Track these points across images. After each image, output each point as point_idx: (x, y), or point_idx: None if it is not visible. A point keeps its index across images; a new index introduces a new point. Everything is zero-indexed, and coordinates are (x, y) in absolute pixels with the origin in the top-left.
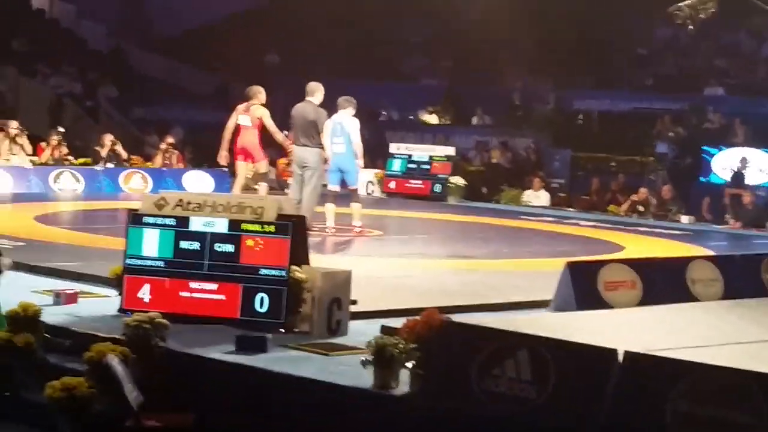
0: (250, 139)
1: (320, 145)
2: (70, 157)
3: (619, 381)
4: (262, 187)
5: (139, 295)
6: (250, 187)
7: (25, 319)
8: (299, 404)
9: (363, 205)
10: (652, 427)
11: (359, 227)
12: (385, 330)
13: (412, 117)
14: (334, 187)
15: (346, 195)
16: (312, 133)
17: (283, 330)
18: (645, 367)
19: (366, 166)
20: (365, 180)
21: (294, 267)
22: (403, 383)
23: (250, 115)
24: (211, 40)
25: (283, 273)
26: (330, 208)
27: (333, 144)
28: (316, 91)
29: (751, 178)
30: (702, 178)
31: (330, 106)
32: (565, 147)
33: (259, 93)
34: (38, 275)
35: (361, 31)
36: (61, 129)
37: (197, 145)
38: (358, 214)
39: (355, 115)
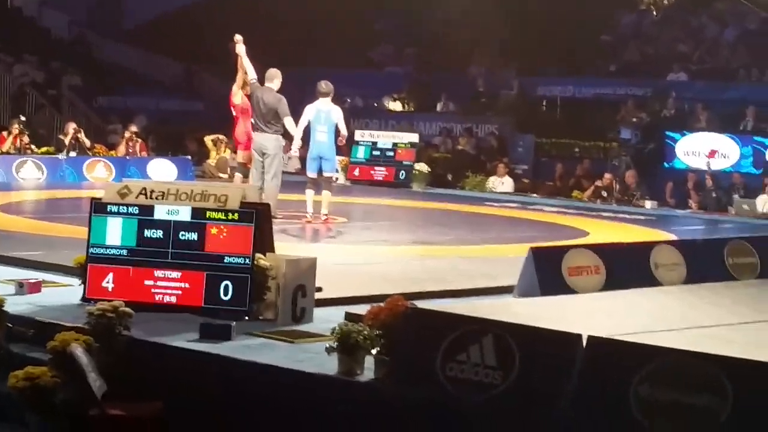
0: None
1: (279, 131)
2: (32, 146)
3: (583, 366)
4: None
5: (103, 284)
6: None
7: None
8: (264, 392)
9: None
10: (617, 411)
11: (326, 215)
12: (350, 317)
13: (376, 104)
14: (312, 174)
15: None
16: (271, 119)
17: (247, 318)
18: (609, 351)
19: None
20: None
21: (258, 255)
22: (368, 370)
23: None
24: (176, 29)
25: (248, 261)
26: (310, 195)
27: (317, 132)
28: (275, 78)
29: (714, 164)
30: (665, 164)
31: (288, 90)
32: (528, 133)
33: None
34: (1, 264)
35: (326, 19)
36: (23, 118)
37: (161, 134)
38: (327, 202)
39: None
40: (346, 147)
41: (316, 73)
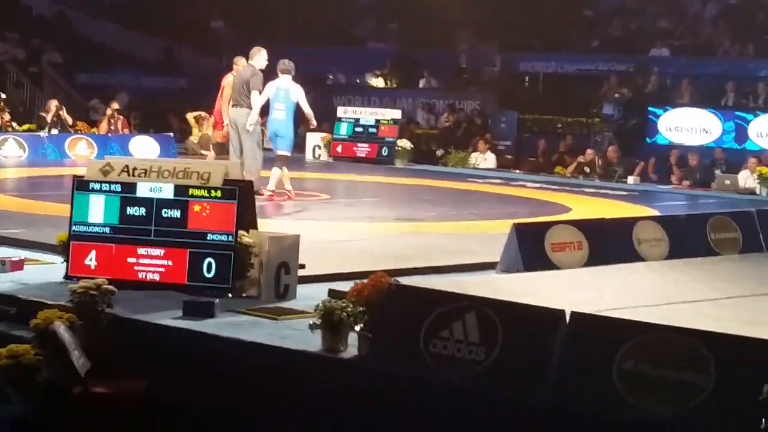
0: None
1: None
2: (13, 124)
3: (566, 342)
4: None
5: (86, 261)
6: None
7: None
8: (248, 369)
9: (287, 173)
10: (600, 387)
11: (270, 192)
12: (333, 294)
13: (359, 81)
14: (284, 151)
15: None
16: (244, 94)
17: (230, 295)
18: (592, 327)
19: (313, 130)
20: (312, 144)
21: (241, 232)
22: (351, 346)
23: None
24: (157, 6)
25: (230, 238)
26: (275, 173)
27: (274, 110)
28: (255, 55)
29: (695, 138)
30: (648, 139)
31: (270, 68)
32: (511, 109)
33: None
34: None
35: None
36: (3, 95)
37: (143, 111)
38: (274, 178)
39: (296, 80)
40: (328, 125)
41: (298, 50)
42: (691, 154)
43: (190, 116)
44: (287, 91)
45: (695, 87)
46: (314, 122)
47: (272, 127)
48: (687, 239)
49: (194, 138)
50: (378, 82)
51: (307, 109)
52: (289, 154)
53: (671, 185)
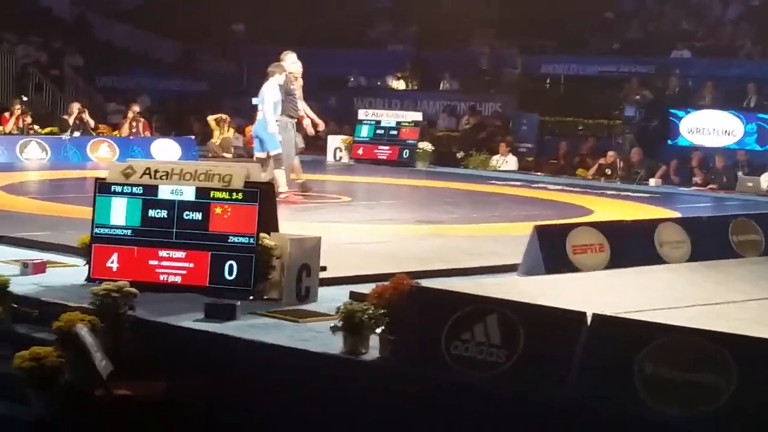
0: None
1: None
2: (35, 126)
3: (588, 344)
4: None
5: (108, 264)
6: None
7: None
8: (269, 371)
9: (285, 172)
10: (621, 389)
11: (281, 193)
12: (354, 296)
13: (379, 83)
14: (259, 153)
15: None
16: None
17: (252, 297)
18: (613, 329)
19: (334, 133)
20: (333, 146)
21: (263, 234)
22: (372, 349)
23: None
24: (177, 8)
25: (252, 240)
26: (278, 175)
27: (258, 112)
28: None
29: (717, 141)
30: (669, 141)
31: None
32: (532, 111)
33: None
34: (6, 245)
35: None
36: (24, 98)
37: (164, 114)
38: (280, 181)
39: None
40: (349, 127)
41: (318, 52)
42: (718, 156)
43: (211, 119)
44: (262, 93)
45: (717, 89)
46: (270, 127)
47: (254, 130)
48: (709, 241)
49: (215, 140)
50: (399, 85)
51: (264, 111)
52: (272, 153)
53: (693, 187)
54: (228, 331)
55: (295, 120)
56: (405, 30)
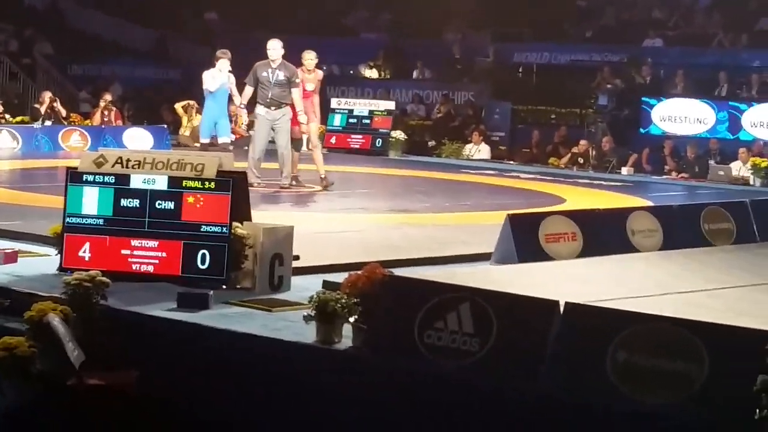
0: None
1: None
2: (6, 116)
3: (561, 332)
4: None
5: (80, 253)
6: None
7: None
8: (242, 360)
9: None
10: (594, 377)
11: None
12: (327, 285)
13: (352, 71)
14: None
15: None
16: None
17: (225, 286)
18: (586, 318)
19: None
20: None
21: (235, 223)
22: (345, 338)
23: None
24: None
25: (225, 229)
26: None
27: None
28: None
29: (687, 129)
30: (642, 130)
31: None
32: (505, 100)
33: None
34: None
35: None
36: None
37: (137, 102)
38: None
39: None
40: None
41: (290, 40)
42: (690, 146)
43: (177, 106)
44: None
45: (689, 77)
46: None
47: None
48: (681, 230)
49: (184, 130)
50: (371, 73)
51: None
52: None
53: (665, 176)
54: (201, 320)
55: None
56: (379, 18)
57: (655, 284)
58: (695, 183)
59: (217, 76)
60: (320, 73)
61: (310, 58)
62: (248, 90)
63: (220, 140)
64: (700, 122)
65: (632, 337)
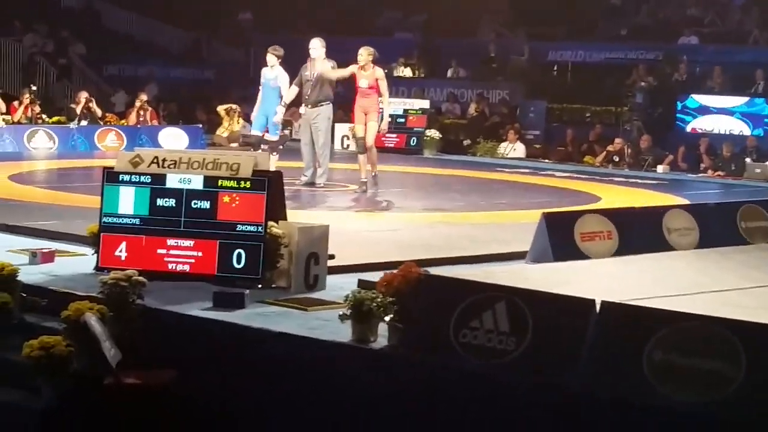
0: None
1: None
2: (43, 116)
3: (597, 331)
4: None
5: (116, 253)
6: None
7: (2, 278)
8: (278, 359)
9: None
10: (630, 377)
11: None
12: (363, 284)
13: (386, 71)
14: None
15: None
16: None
17: (260, 285)
18: (622, 316)
19: (341, 121)
20: (341, 134)
21: (271, 222)
22: (381, 337)
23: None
24: None
25: (260, 229)
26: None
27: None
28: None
29: (723, 127)
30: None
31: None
32: (540, 98)
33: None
34: (14, 234)
35: None
36: (33, 87)
37: (172, 102)
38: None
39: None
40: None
41: (325, 40)
42: (726, 143)
43: (221, 109)
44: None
45: (725, 75)
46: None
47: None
48: (717, 228)
49: (222, 131)
50: (406, 72)
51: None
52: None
53: (701, 174)
54: (236, 319)
55: (308, 107)
56: (412, 17)
57: (692, 283)
58: (732, 181)
59: (267, 73)
60: (379, 71)
61: (361, 53)
62: (292, 90)
63: (267, 137)
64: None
65: (669, 336)
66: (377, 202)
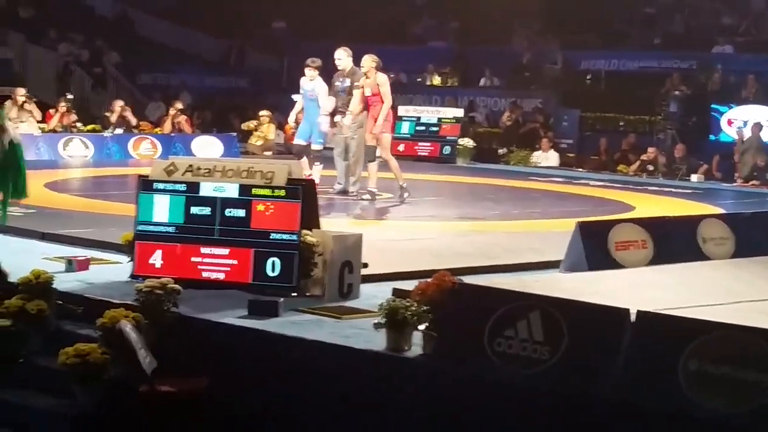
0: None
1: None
2: (78, 124)
3: (632, 341)
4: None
5: (151, 260)
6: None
7: (38, 286)
8: (312, 368)
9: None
10: (665, 386)
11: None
12: (397, 293)
13: (420, 79)
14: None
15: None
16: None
17: (294, 294)
18: (657, 326)
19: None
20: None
21: (305, 231)
22: (415, 346)
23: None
24: (218, 5)
25: (294, 237)
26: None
27: None
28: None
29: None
30: (712, 137)
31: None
32: (573, 107)
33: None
34: (50, 242)
35: None
36: (70, 96)
37: (206, 110)
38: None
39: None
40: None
41: (358, 48)
42: (760, 153)
43: (246, 125)
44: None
45: (759, 83)
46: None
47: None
48: (753, 237)
49: (256, 140)
50: (439, 81)
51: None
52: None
53: (736, 183)
54: (271, 327)
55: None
56: (446, 26)
57: (727, 292)
58: (766, 190)
59: (306, 83)
60: (380, 77)
61: (364, 60)
62: (331, 100)
63: (313, 146)
64: None
65: (704, 345)
66: (411, 210)
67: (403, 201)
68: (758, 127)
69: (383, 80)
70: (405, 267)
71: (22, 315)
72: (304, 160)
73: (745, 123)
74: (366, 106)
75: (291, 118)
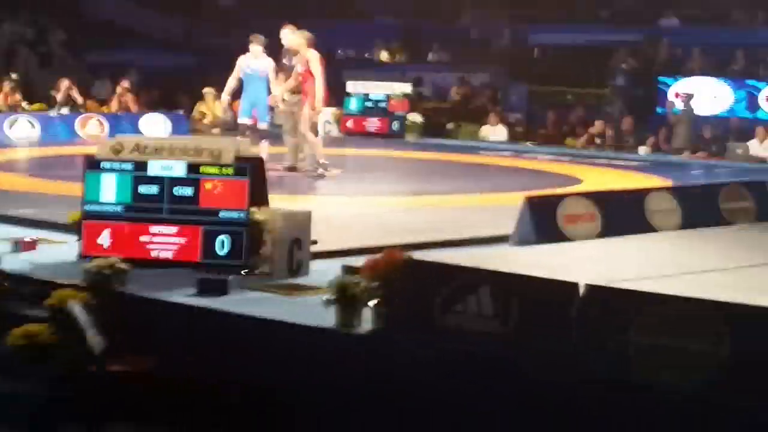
0: None
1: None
2: (24, 104)
3: (581, 314)
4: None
5: (99, 240)
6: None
7: None
8: (262, 345)
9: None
10: (615, 358)
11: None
12: (347, 269)
13: (368, 55)
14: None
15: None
16: None
17: (244, 272)
18: (606, 299)
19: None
20: (322, 119)
21: (253, 209)
22: (365, 322)
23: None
24: None
25: (243, 215)
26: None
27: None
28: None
29: (705, 108)
30: (659, 109)
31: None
32: (521, 81)
33: None
34: None
35: None
36: (14, 75)
37: (153, 88)
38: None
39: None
40: (335, 98)
41: (306, 25)
42: (704, 127)
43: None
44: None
45: (705, 56)
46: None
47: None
48: (700, 209)
49: (200, 116)
50: (387, 56)
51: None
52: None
53: (683, 155)
54: (220, 305)
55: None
56: (394, 1)
57: (675, 264)
58: (714, 161)
59: (251, 61)
60: (312, 53)
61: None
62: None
63: (259, 124)
64: (716, 99)
65: (653, 317)
66: (360, 186)
67: (319, 177)
68: (688, 97)
69: (313, 56)
70: (354, 243)
71: None
72: (264, 143)
73: (689, 96)
74: (300, 83)
75: (224, 97)
